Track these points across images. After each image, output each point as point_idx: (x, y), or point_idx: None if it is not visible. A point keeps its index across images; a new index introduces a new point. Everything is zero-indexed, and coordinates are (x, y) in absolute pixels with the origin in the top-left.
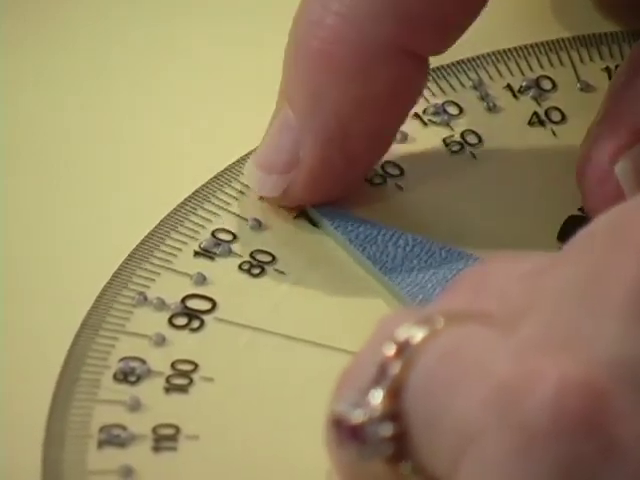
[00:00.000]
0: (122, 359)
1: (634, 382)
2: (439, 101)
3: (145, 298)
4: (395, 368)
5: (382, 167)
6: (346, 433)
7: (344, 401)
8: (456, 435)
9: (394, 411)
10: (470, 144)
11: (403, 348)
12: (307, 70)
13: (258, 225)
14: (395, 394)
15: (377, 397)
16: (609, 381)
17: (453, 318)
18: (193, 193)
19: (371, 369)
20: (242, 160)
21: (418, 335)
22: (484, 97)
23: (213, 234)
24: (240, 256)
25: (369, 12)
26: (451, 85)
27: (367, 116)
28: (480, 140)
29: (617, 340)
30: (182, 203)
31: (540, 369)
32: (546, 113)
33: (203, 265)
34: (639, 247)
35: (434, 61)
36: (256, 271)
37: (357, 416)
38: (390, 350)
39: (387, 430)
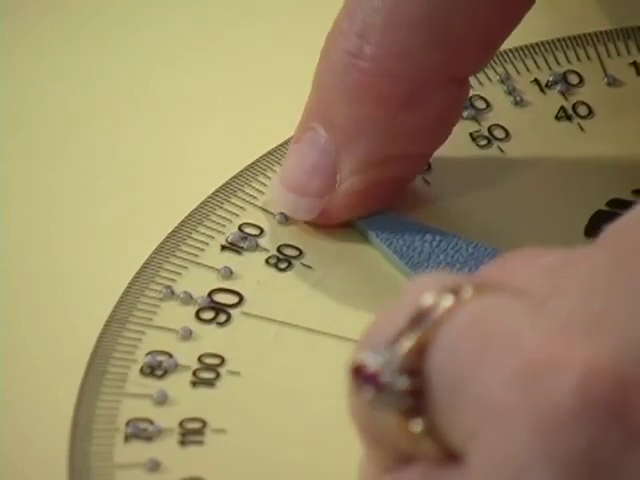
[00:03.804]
0: (149, 353)
1: None
2: None
3: (172, 292)
4: (424, 326)
5: None
6: (364, 378)
7: (367, 349)
8: (478, 406)
9: (415, 367)
10: (497, 138)
11: (433, 309)
12: (349, 100)
13: (285, 219)
14: (419, 351)
15: (400, 350)
16: (636, 370)
17: (484, 288)
18: (220, 187)
19: (399, 323)
20: (269, 155)
21: (449, 299)
22: (511, 91)
23: (240, 228)
24: (267, 250)
25: (413, 43)
26: (478, 79)
27: (413, 142)
28: (507, 134)
29: None
30: (209, 197)
31: (568, 351)
32: (573, 107)
33: (230, 259)
34: None
35: None
36: (283, 265)
37: (377, 363)
38: (421, 308)
39: (404, 383)
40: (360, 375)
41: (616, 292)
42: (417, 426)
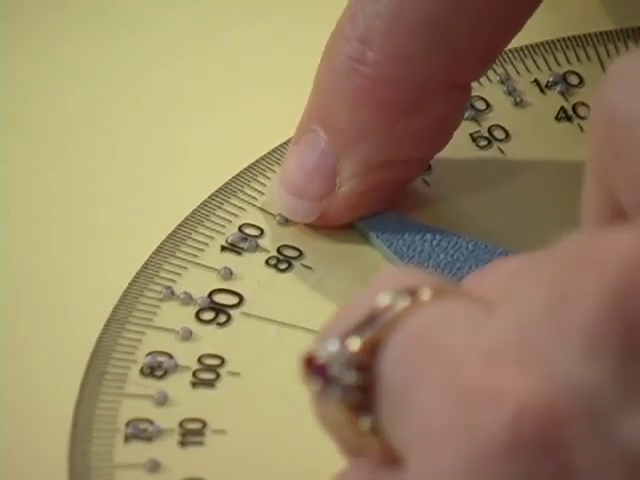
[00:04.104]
0: (149, 353)
1: (592, 411)
2: None
3: (172, 293)
4: (377, 325)
5: None
6: (313, 369)
7: (321, 342)
8: (417, 422)
9: (365, 364)
10: (497, 139)
11: (389, 309)
12: (350, 105)
13: (285, 220)
14: (370, 349)
15: (351, 345)
16: (568, 407)
17: (443, 292)
18: (220, 188)
19: (355, 319)
20: (269, 155)
21: (406, 300)
22: (511, 92)
23: (240, 229)
24: (267, 251)
25: (415, 49)
26: (478, 80)
27: (414, 147)
28: (507, 135)
29: (578, 367)
30: (209, 198)
31: (503, 384)
32: (573, 108)
33: (230, 260)
34: (603, 273)
35: None
36: (283, 266)
37: (327, 355)
38: (377, 307)
39: (352, 378)
40: (310, 366)
41: (554, 322)
42: (364, 423)
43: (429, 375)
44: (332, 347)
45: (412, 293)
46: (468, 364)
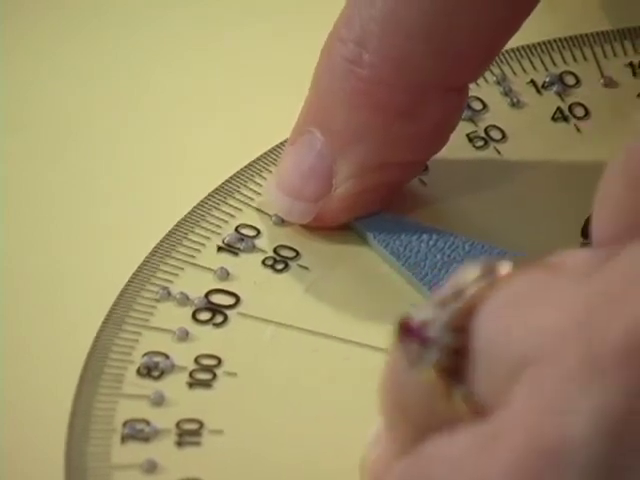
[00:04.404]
0: (146, 354)
1: None
2: None
3: (169, 293)
4: (471, 292)
5: None
6: (409, 332)
7: (416, 310)
8: (523, 351)
9: (462, 325)
10: (494, 140)
11: (480, 279)
12: (347, 107)
13: (281, 221)
14: (467, 311)
15: (450, 308)
16: None
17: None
18: (216, 189)
19: (448, 291)
20: (266, 155)
21: (506, 267)
22: (508, 93)
23: (237, 229)
24: (264, 251)
25: (411, 52)
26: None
27: (410, 149)
28: (504, 136)
29: None
30: (205, 199)
31: (613, 311)
32: (570, 108)
33: (227, 260)
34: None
35: None
36: (280, 266)
37: (424, 317)
38: (468, 279)
39: (449, 338)
40: (406, 329)
41: None
42: (457, 392)
43: (532, 310)
44: (428, 312)
45: (493, 269)
46: (576, 300)
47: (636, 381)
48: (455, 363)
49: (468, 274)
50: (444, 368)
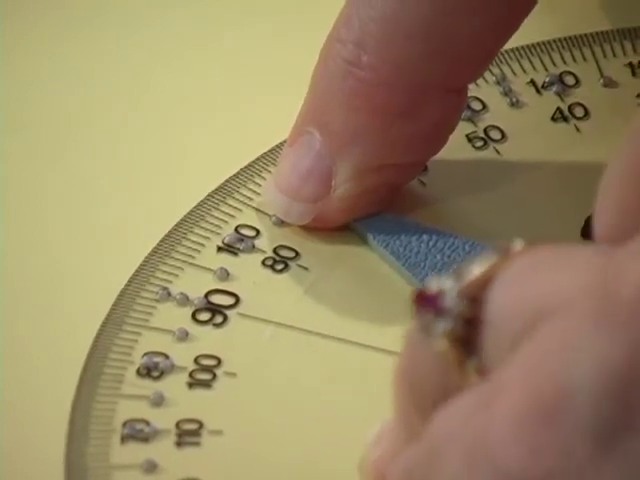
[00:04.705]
0: (145, 354)
1: None
2: None
3: (168, 293)
4: (490, 262)
5: None
6: (424, 301)
7: (433, 280)
8: (532, 314)
9: (477, 296)
10: (493, 140)
11: (502, 251)
12: (346, 108)
13: (281, 221)
14: (482, 282)
15: (465, 278)
16: None
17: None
18: (216, 189)
19: (463, 268)
20: (265, 156)
21: (518, 245)
22: (507, 93)
23: (236, 230)
24: (263, 252)
25: (410, 53)
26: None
27: (409, 150)
28: (503, 136)
29: None
30: (205, 199)
31: (628, 270)
32: (569, 109)
33: (226, 260)
34: None
35: None
36: (279, 267)
37: (439, 287)
38: (490, 254)
39: (463, 307)
40: (421, 298)
41: None
42: (470, 363)
43: (548, 273)
44: (444, 283)
45: (508, 248)
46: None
47: None
48: (469, 334)
49: (486, 254)
50: (458, 338)
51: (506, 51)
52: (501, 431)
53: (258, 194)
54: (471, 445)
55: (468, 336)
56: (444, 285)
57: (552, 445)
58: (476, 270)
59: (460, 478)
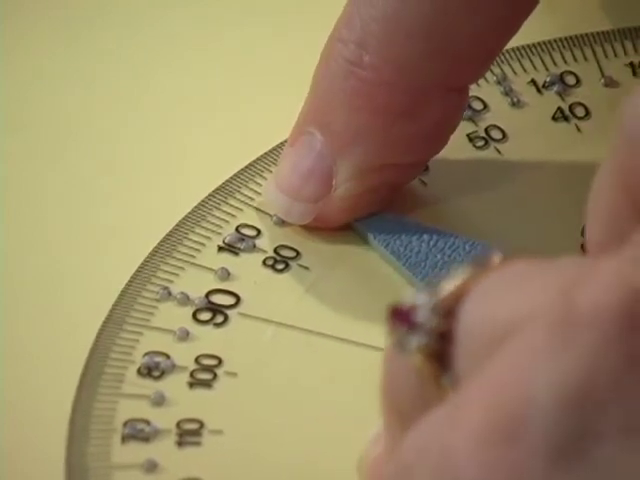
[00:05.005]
0: (146, 354)
1: None
2: None
3: (169, 293)
4: (465, 276)
5: None
6: (398, 316)
7: (410, 295)
8: (502, 330)
9: (451, 310)
10: (494, 139)
11: (478, 264)
12: (347, 108)
13: (282, 221)
14: (457, 297)
15: (439, 293)
16: None
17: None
18: (217, 188)
19: (439, 281)
20: (266, 155)
21: (495, 259)
22: (508, 92)
23: (237, 229)
24: (264, 251)
25: (412, 53)
26: None
27: (410, 150)
28: (504, 135)
29: None
30: (206, 198)
31: (587, 282)
32: (570, 108)
33: (227, 260)
34: None
35: None
36: (280, 266)
37: (414, 300)
38: (466, 267)
39: (437, 322)
40: (395, 313)
41: None
42: (445, 378)
43: (517, 287)
44: (418, 297)
45: (485, 261)
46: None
47: (600, 342)
48: (444, 349)
49: (461, 268)
50: (432, 353)
51: (507, 51)
52: (463, 447)
53: (259, 194)
54: (438, 461)
55: (442, 351)
56: (418, 300)
57: (507, 461)
58: (450, 285)
59: None
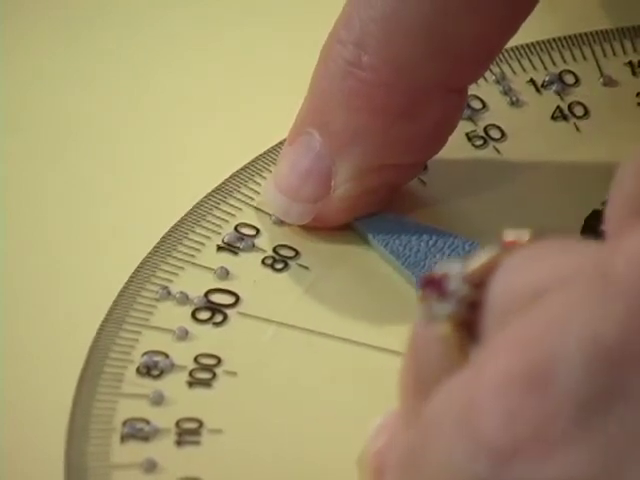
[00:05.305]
0: (145, 353)
1: None
2: None
3: (168, 292)
4: (497, 250)
5: None
6: (431, 283)
7: (443, 265)
8: (536, 287)
9: (482, 281)
10: (493, 139)
11: (511, 242)
12: (346, 108)
13: (281, 220)
14: (489, 268)
15: (472, 264)
16: None
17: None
18: (216, 188)
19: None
20: (265, 155)
21: (526, 235)
22: (507, 92)
23: (236, 229)
24: (263, 251)
25: (411, 54)
26: None
27: (409, 151)
28: (503, 135)
29: None
30: (205, 198)
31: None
32: (569, 107)
33: (226, 260)
34: None
35: None
36: (279, 266)
37: (447, 269)
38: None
39: (467, 291)
40: (427, 282)
41: None
42: (472, 344)
43: (547, 260)
44: (451, 267)
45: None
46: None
47: (637, 305)
48: (472, 318)
49: (493, 245)
50: (461, 321)
51: (506, 50)
52: (486, 394)
53: (258, 193)
54: (461, 410)
55: (471, 320)
56: (450, 270)
57: (530, 410)
58: (483, 257)
59: (452, 447)
